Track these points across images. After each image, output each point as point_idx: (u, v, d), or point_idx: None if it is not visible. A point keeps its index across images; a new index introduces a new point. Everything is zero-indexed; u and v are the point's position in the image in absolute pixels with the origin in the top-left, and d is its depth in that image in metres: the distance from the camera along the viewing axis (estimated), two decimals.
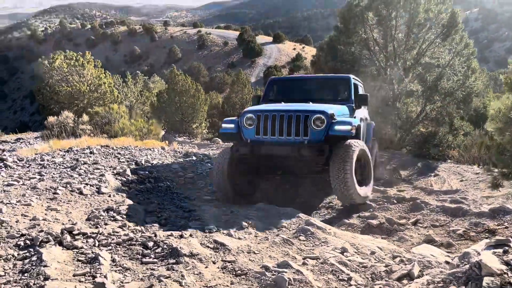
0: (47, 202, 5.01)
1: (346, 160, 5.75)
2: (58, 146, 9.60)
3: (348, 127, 5.98)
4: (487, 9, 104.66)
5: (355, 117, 6.97)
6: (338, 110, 6.40)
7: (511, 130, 5.93)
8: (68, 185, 5.67)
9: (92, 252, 3.75)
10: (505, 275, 2.86)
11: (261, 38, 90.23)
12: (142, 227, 4.57)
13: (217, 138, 18.04)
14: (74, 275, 3.33)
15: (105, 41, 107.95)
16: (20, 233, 3.99)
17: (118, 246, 3.99)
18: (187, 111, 23.49)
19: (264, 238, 4.40)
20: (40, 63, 21.25)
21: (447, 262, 3.85)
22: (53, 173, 6.39)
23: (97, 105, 18.00)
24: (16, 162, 7.33)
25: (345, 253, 4.06)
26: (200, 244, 4.05)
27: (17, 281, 3.20)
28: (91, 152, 8.43)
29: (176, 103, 23.38)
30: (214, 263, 3.71)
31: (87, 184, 5.87)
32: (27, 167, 6.94)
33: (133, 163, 7.84)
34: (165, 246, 3.93)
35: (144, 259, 3.72)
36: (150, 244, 4.01)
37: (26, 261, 3.52)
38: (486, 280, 2.88)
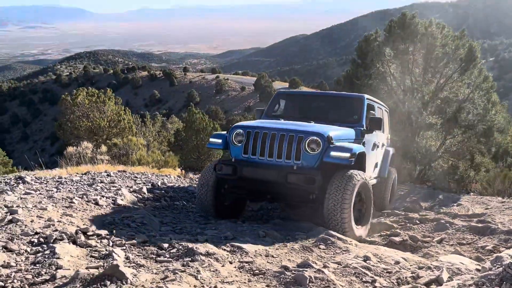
0: (63, 209, 4.96)
1: (345, 195, 4.98)
2: (75, 171, 9.66)
3: (346, 155, 5.14)
4: (503, 59, 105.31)
5: (363, 143, 6.17)
6: (341, 134, 5.67)
7: None
8: (84, 196, 5.64)
9: (106, 250, 3.65)
10: None
11: (277, 84, 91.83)
12: (157, 233, 4.46)
13: None
14: (87, 268, 3.22)
15: (126, 85, 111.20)
16: (34, 231, 3.92)
17: (132, 246, 3.88)
18: (203, 149, 23.63)
19: (282, 245, 4.23)
20: (63, 99, 21.86)
21: (478, 270, 3.62)
22: (70, 187, 6.37)
23: (116, 138, 18.25)
24: (34, 179, 7.35)
25: (367, 261, 3.86)
26: (216, 247, 3.91)
27: (28, 270, 3.11)
28: (108, 175, 8.44)
29: (193, 141, 23.56)
30: (231, 263, 3.56)
31: (103, 196, 5.83)
32: (45, 183, 6.94)
33: (149, 184, 7.81)
34: (180, 247, 3.80)
35: (158, 258, 3.60)
36: (165, 245, 3.89)
37: (39, 254, 3.43)
38: None
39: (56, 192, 5.78)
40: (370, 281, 3.31)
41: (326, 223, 5.09)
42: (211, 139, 6.03)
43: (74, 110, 21.14)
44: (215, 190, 5.83)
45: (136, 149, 14.94)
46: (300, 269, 3.32)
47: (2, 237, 3.68)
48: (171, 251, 3.76)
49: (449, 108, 12.18)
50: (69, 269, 3.11)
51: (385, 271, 3.59)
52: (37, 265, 3.20)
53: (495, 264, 3.36)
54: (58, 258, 3.28)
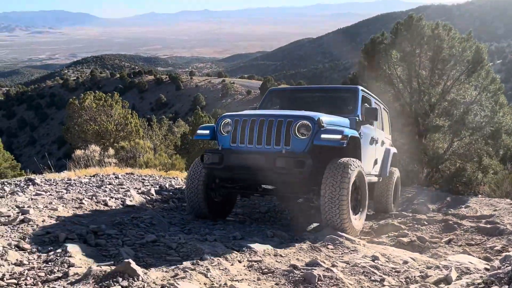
0: (73, 210, 5.02)
1: (343, 184, 4.74)
2: (84, 173, 9.74)
3: (337, 136, 4.85)
4: (511, 61, 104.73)
5: (359, 134, 5.81)
6: (334, 120, 5.35)
7: None
8: (93, 197, 5.70)
9: (116, 249, 3.69)
10: None
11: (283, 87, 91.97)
12: (166, 233, 4.50)
13: None
14: (98, 265, 3.26)
15: (132, 89, 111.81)
16: (46, 230, 3.97)
17: (142, 246, 3.92)
18: None
19: (291, 245, 4.25)
20: (70, 103, 22.04)
21: (486, 269, 3.62)
22: (79, 189, 6.44)
23: (123, 141, 18.37)
24: (43, 181, 7.43)
25: (376, 261, 3.87)
26: (225, 246, 3.95)
27: (41, 268, 3.15)
28: (116, 177, 8.50)
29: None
30: (240, 262, 3.58)
31: (112, 197, 5.89)
32: (55, 185, 7.01)
33: (157, 186, 7.86)
34: (189, 247, 3.84)
35: (168, 257, 3.64)
36: (174, 245, 3.92)
37: (51, 253, 3.47)
38: None
39: (66, 193, 5.84)
40: (379, 280, 3.32)
41: (323, 216, 4.88)
42: (198, 131, 5.73)
43: (82, 113, 21.33)
44: (206, 185, 5.56)
45: (143, 152, 15.04)
46: (309, 268, 3.34)
47: (15, 236, 3.74)
48: (181, 250, 3.79)
49: (456, 110, 12.16)
50: (81, 267, 3.15)
51: (393, 270, 3.60)
52: (49, 263, 3.25)
53: (504, 263, 3.37)
54: (70, 256, 3.32)
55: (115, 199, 5.85)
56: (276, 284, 3.15)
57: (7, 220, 4.12)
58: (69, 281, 2.78)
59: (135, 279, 2.75)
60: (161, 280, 2.86)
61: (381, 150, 7.44)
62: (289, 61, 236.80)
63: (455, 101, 12.23)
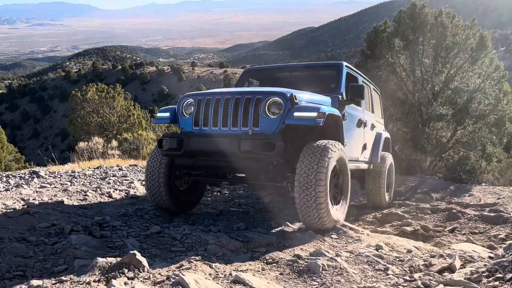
0: (78, 202, 5.05)
1: (320, 170, 4.08)
2: (88, 165, 9.77)
3: (312, 114, 4.18)
4: None
5: (343, 115, 5.15)
6: (311, 98, 4.66)
7: None
8: (98, 189, 5.73)
9: (121, 240, 3.71)
10: None
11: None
12: (170, 225, 4.53)
13: None
14: (103, 257, 3.28)
15: (134, 81, 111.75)
16: (51, 222, 4.00)
17: (147, 237, 3.95)
18: None
19: (295, 235, 4.27)
20: (73, 95, 22.06)
21: (490, 257, 3.63)
22: (84, 181, 6.47)
23: (126, 133, 18.39)
24: (48, 174, 7.46)
25: (380, 250, 3.89)
26: (229, 237, 3.96)
27: (47, 260, 3.18)
28: (120, 169, 8.53)
29: None
30: (244, 252, 3.60)
31: (116, 189, 5.92)
32: (59, 177, 7.05)
33: None
34: (193, 238, 3.86)
35: (173, 248, 3.66)
36: (179, 236, 3.95)
37: (57, 245, 3.50)
38: None
39: (71, 185, 5.87)
40: (383, 269, 3.34)
41: (298, 208, 4.23)
42: (158, 114, 5.10)
43: (84, 106, 21.36)
44: (168, 174, 4.98)
45: (146, 143, 15.08)
46: (313, 257, 3.35)
47: (21, 228, 3.76)
48: (185, 241, 3.81)
49: (459, 99, 12.07)
50: (86, 258, 3.17)
51: (397, 259, 3.61)
52: (56, 255, 3.28)
53: (508, 251, 3.37)
54: (76, 248, 3.34)
55: (119, 191, 5.88)
56: (281, 274, 3.16)
57: (12, 212, 4.15)
58: (75, 273, 2.80)
59: (141, 270, 2.77)
60: (166, 271, 2.88)
61: (371, 134, 6.76)
62: (291, 50, 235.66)
63: (459, 89, 12.14)
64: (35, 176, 7.00)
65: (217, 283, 2.72)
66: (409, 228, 5.20)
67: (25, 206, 4.39)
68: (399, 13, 12.86)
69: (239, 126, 4.34)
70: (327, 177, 4.13)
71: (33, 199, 4.81)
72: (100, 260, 2.76)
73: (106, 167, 8.62)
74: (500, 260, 3.19)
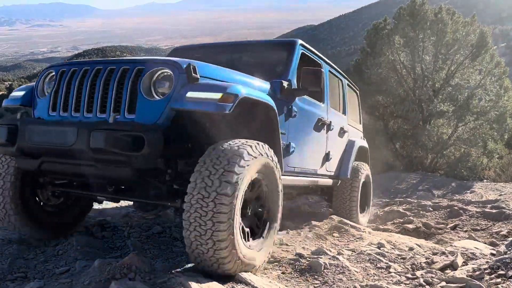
0: None
1: (223, 190, 2.55)
2: None
3: (213, 95, 2.68)
4: None
5: (290, 109, 3.78)
6: (231, 76, 3.22)
7: None
8: None
9: (122, 241, 3.72)
10: None
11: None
12: (172, 225, 4.53)
13: None
14: (105, 258, 3.28)
15: None
16: None
17: (148, 238, 3.95)
18: None
19: (296, 234, 4.27)
20: None
21: (492, 254, 3.62)
22: None
23: None
24: None
25: (381, 248, 3.88)
26: None
27: (48, 262, 3.19)
28: None
29: None
30: None
31: None
32: None
33: None
34: None
35: (175, 248, 3.67)
36: (180, 236, 3.95)
37: (58, 246, 3.50)
38: None
39: None
40: (385, 267, 3.34)
41: (187, 245, 2.69)
42: (12, 93, 3.55)
43: None
44: (21, 185, 3.42)
45: None
46: (315, 256, 3.35)
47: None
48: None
49: (460, 95, 12.10)
50: (88, 259, 3.17)
51: (399, 257, 3.61)
52: (57, 256, 3.28)
53: (510, 248, 3.37)
54: (77, 249, 3.34)
55: None
56: (283, 273, 3.16)
57: None
58: (76, 274, 2.80)
59: (142, 271, 2.77)
60: (168, 271, 2.88)
61: (340, 141, 5.35)
62: None
63: (459, 86, 12.16)
64: None
65: (219, 283, 2.71)
66: (410, 226, 5.20)
67: None
68: (399, 10, 12.88)
69: (108, 111, 2.84)
70: (237, 198, 2.61)
71: None
72: (102, 261, 2.76)
73: None
74: (502, 257, 3.19)
